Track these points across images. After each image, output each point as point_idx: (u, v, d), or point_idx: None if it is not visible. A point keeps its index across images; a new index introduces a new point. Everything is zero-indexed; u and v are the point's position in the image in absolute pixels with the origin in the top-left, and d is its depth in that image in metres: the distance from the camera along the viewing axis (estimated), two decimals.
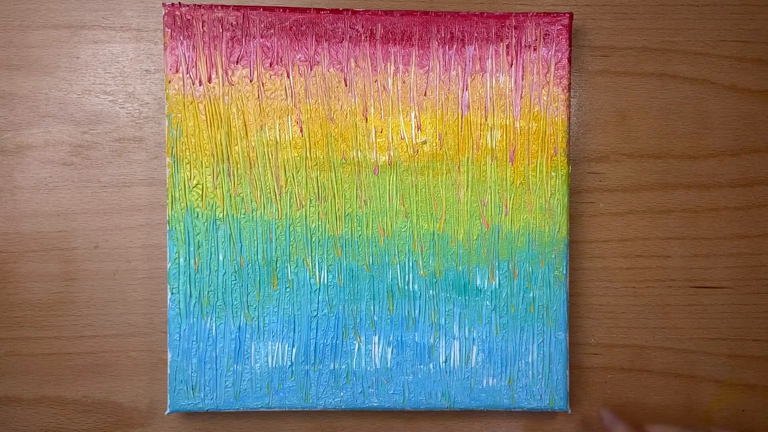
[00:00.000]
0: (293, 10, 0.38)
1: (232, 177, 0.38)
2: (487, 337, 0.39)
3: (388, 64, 0.39)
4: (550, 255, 0.39)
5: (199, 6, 0.38)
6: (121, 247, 0.40)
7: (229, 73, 0.38)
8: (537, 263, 0.39)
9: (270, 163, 0.38)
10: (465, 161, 0.39)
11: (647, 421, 0.41)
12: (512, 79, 0.39)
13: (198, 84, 0.38)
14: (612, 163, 0.41)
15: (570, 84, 0.39)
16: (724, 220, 0.42)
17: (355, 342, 0.39)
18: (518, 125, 0.39)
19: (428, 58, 0.39)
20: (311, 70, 0.38)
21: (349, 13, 0.38)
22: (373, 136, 0.39)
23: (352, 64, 0.38)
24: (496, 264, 0.39)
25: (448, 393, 0.39)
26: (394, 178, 0.39)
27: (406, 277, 0.39)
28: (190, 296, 0.38)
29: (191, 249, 0.38)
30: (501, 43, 0.39)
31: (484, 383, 0.39)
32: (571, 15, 0.39)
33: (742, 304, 0.42)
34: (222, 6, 0.38)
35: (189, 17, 0.38)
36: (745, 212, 0.42)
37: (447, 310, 0.39)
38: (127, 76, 0.40)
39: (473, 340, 0.39)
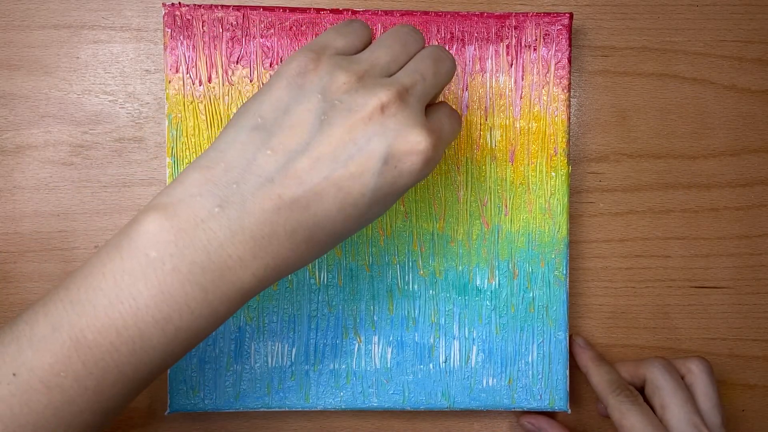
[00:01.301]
0: (293, 10, 0.38)
1: None
2: (487, 337, 0.39)
3: None
4: (550, 255, 0.39)
5: (199, 6, 0.38)
6: None
7: (229, 73, 0.38)
8: (537, 263, 0.39)
9: None
10: (465, 161, 0.39)
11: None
12: (512, 79, 0.39)
13: (198, 84, 0.38)
14: (612, 163, 0.41)
15: (570, 84, 0.39)
16: (724, 220, 0.42)
17: (355, 342, 0.39)
18: (518, 125, 0.39)
19: None
20: None
21: (349, 13, 0.38)
22: None
23: None
24: (496, 264, 0.39)
25: (448, 393, 0.39)
26: None
27: (406, 277, 0.39)
28: None
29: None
30: (501, 43, 0.39)
31: (484, 383, 0.39)
32: (571, 15, 0.39)
33: (742, 304, 0.42)
34: (222, 6, 0.38)
35: (189, 17, 0.38)
36: (745, 212, 0.42)
37: (447, 310, 0.39)
38: (127, 76, 0.40)
39: (473, 340, 0.39)
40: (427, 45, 0.31)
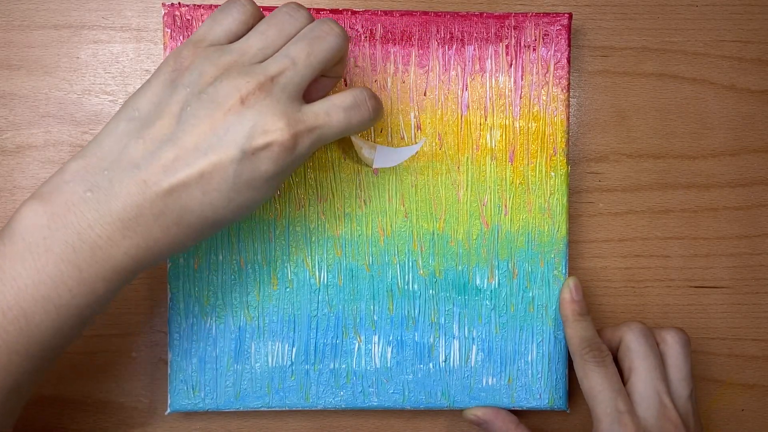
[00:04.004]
0: None
1: None
2: (486, 337, 0.39)
3: (388, 63, 0.39)
4: (549, 255, 0.39)
5: (199, 6, 0.38)
6: None
7: None
8: (536, 263, 0.39)
9: None
10: (464, 161, 0.39)
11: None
12: (512, 79, 0.39)
13: None
14: (611, 163, 0.42)
15: (569, 84, 0.39)
16: (723, 220, 0.42)
17: (355, 342, 0.39)
18: (518, 125, 0.39)
19: (428, 58, 0.39)
20: None
21: (349, 13, 0.38)
22: (373, 135, 0.39)
23: (352, 64, 0.38)
24: (496, 264, 0.39)
25: (448, 392, 0.39)
26: (394, 178, 0.39)
27: (406, 276, 0.39)
28: (190, 296, 0.38)
29: (191, 249, 0.38)
30: (500, 44, 0.39)
31: (484, 382, 0.39)
32: (570, 15, 0.39)
33: (741, 304, 0.42)
34: None
35: (189, 17, 0.38)
36: (745, 212, 0.42)
37: (447, 309, 0.39)
38: (127, 76, 0.40)
39: (473, 339, 0.39)
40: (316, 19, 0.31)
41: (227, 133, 0.28)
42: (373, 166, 0.38)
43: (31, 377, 0.29)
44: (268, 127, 0.28)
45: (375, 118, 0.32)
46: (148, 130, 0.29)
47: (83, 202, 0.28)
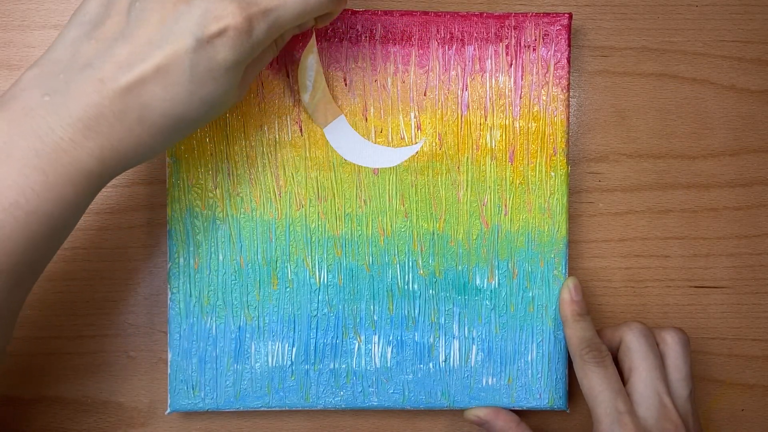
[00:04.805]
0: None
1: (231, 177, 0.38)
2: (486, 337, 0.39)
3: (388, 63, 0.39)
4: (549, 255, 0.39)
5: None
6: (121, 247, 0.40)
7: None
8: (536, 263, 0.39)
9: (269, 162, 0.38)
10: (464, 161, 0.39)
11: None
12: (512, 79, 0.39)
13: None
14: (611, 163, 0.42)
15: (569, 84, 0.39)
16: (723, 220, 0.42)
17: (355, 341, 0.39)
18: (518, 125, 0.39)
19: (428, 58, 0.39)
20: None
21: (349, 13, 0.38)
22: (373, 135, 0.39)
23: (352, 64, 0.38)
24: (496, 264, 0.39)
25: (448, 392, 0.39)
26: (394, 177, 0.39)
27: (406, 276, 0.39)
28: (190, 296, 0.38)
29: (191, 249, 0.38)
30: (500, 44, 0.39)
31: (484, 382, 0.39)
32: (570, 15, 0.39)
33: (741, 303, 0.42)
34: None
35: None
36: (745, 212, 0.42)
37: (447, 309, 0.39)
38: None
39: (473, 339, 0.39)
40: None
41: (178, 22, 0.28)
42: (324, 130, 0.38)
43: (9, 296, 0.29)
44: (219, 12, 0.28)
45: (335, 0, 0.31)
46: (98, 30, 0.28)
47: (41, 106, 0.27)
